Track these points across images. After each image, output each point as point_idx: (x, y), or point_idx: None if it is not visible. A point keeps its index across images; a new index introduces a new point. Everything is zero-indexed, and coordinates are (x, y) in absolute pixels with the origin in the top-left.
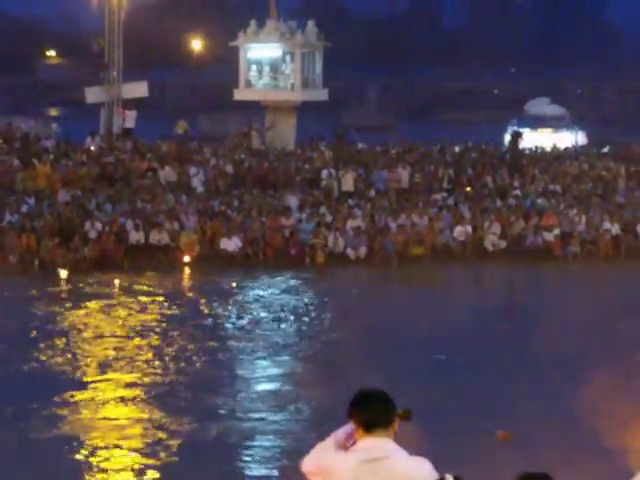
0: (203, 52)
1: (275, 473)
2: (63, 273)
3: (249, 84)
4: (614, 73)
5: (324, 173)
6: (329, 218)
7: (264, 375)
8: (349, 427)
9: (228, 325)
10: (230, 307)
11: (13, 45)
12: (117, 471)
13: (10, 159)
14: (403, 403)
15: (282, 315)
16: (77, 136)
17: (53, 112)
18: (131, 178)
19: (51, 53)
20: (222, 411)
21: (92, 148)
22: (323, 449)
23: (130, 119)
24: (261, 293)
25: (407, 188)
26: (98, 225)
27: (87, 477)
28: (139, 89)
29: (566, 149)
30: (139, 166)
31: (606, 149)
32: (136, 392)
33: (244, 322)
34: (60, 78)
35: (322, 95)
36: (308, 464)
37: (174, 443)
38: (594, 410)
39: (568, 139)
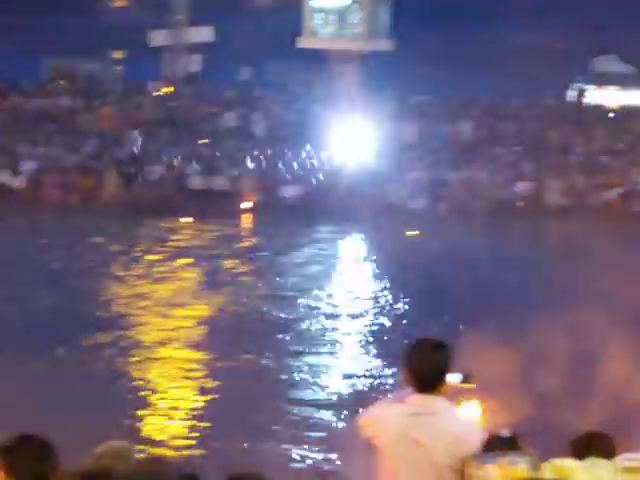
0: None
1: (323, 416)
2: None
3: (314, 32)
4: None
5: None
6: None
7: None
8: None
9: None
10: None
11: None
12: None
13: (73, 100)
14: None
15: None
16: (141, 79)
17: (117, 55)
18: (193, 122)
19: None
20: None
21: (155, 92)
22: (379, 403)
23: (195, 63)
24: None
25: (469, 141)
26: (159, 168)
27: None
28: (204, 33)
29: (633, 107)
30: (202, 110)
31: None
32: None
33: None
34: (125, 21)
35: (387, 45)
36: (363, 417)
37: (220, 381)
38: None
39: (635, 97)
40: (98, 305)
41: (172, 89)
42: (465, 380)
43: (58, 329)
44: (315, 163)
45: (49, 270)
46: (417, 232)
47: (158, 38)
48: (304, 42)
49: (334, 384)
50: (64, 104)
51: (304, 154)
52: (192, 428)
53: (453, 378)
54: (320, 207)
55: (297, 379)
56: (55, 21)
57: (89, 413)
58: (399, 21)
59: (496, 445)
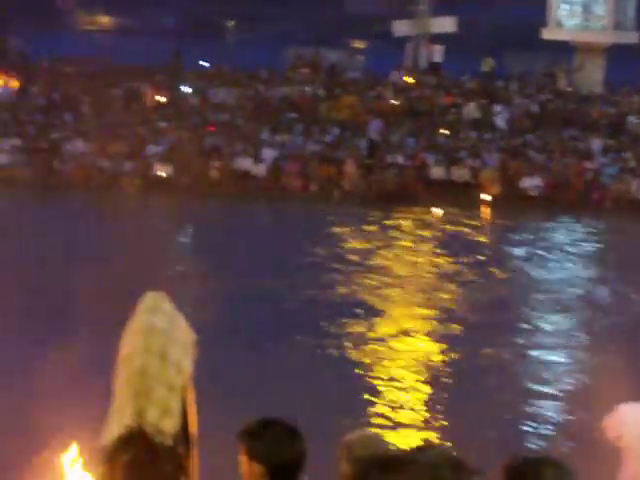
0: None
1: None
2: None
3: (559, 23)
4: None
5: (631, 118)
6: (633, 164)
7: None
8: None
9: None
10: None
11: None
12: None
13: (315, 89)
14: None
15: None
16: (382, 69)
17: (359, 44)
18: (434, 113)
19: None
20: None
21: (397, 82)
22: (626, 404)
23: (438, 54)
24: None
25: None
26: (400, 158)
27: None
28: (447, 24)
29: None
30: (443, 101)
31: None
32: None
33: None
34: (368, 10)
35: (633, 38)
36: (608, 417)
37: (455, 374)
38: None
39: None
40: (348, 293)
41: (413, 79)
42: None
43: (301, 316)
44: (555, 155)
45: (299, 258)
46: None
47: (401, 28)
48: (549, 33)
49: (576, 381)
50: (306, 92)
51: (544, 146)
52: (424, 419)
53: None
54: (561, 199)
55: (535, 374)
56: (298, 10)
57: (324, 400)
58: None
59: None
